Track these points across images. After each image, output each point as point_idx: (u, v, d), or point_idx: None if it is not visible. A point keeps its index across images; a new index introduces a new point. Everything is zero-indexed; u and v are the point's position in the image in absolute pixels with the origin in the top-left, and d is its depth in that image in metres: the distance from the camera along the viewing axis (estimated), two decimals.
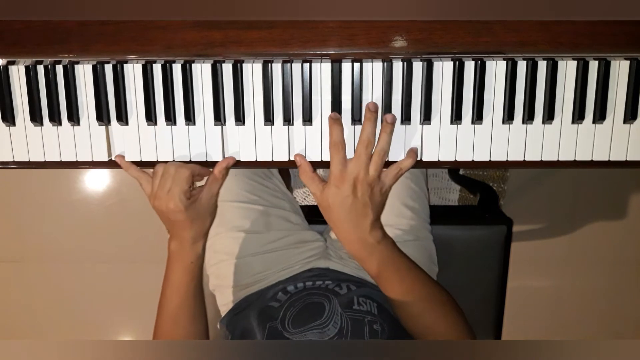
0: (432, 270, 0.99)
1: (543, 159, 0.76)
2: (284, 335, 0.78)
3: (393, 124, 0.72)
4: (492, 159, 0.77)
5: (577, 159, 0.76)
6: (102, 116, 0.76)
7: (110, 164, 0.78)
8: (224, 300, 0.97)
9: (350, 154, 0.74)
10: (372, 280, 0.90)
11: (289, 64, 0.74)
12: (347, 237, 0.76)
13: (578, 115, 0.75)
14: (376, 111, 0.72)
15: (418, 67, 0.74)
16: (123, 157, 0.77)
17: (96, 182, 1.74)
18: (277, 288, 0.91)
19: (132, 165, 0.77)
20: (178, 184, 0.73)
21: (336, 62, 0.74)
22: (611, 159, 0.76)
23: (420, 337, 0.79)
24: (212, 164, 0.77)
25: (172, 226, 0.77)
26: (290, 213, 1.00)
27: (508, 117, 0.75)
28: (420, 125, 0.76)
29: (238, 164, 0.78)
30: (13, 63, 0.76)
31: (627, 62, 0.74)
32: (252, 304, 0.91)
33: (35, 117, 0.77)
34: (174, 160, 0.77)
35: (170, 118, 0.76)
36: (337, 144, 0.72)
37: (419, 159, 0.76)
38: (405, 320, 0.80)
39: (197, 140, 0.77)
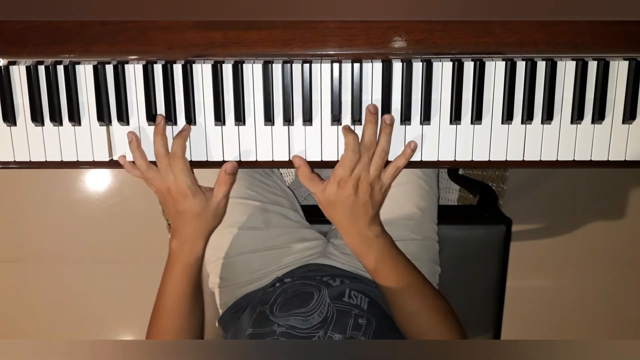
0: (435, 271, 1.00)
1: (542, 159, 0.77)
2: (269, 319, 0.79)
3: (392, 124, 0.73)
4: (491, 159, 0.77)
5: (576, 159, 0.76)
6: (103, 116, 0.77)
7: (112, 164, 0.79)
8: (223, 299, 0.98)
9: None
10: (369, 277, 0.91)
11: (289, 64, 0.74)
12: (347, 230, 0.78)
13: (577, 116, 0.75)
14: (377, 113, 0.73)
15: (418, 67, 0.74)
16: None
17: (97, 182, 1.74)
18: (275, 281, 0.92)
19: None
20: (181, 170, 0.74)
21: (336, 63, 0.74)
22: (610, 159, 0.76)
23: (413, 338, 0.80)
24: (212, 163, 0.78)
25: (176, 219, 0.78)
26: (288, 210, 1.00)
27: (507, 117, 0.75)
28: (420, 126, 0.76)
29: (238, 164, 0.78)
30: (14, 63, 0.76)
31: (626, 63, 0.74)
32: (251, 303, 0.91)
33: (36, 117, 0.77)
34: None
35: (171, 118, 0.76)
36: (354, 148, 0.72)
37: (418, 159, 0.77)
38: (398, 320, 0.81)
39: (198, 140, 0.77)
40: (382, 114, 0.75)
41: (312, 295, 0.82)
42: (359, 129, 0.75)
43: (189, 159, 0.77)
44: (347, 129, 0.74)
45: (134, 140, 0.76)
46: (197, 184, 0.76)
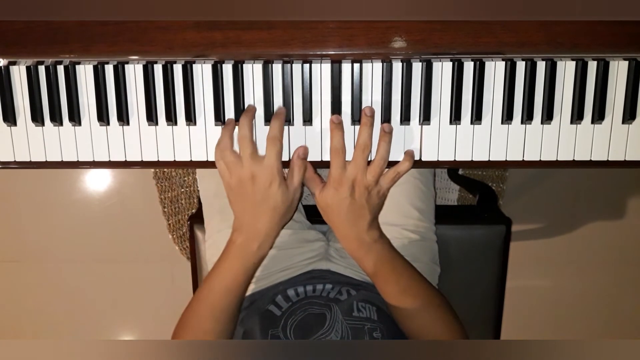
0: (435, 271, 1.00)
1: (542, 159, 0.77)
2: None
3: (390, 133, 0.73)
4: (491, 159, 0.77)
5: (575, 159, 0.76)
6: (103, 116, 0.77)
7: (112, 164, 0.79)
8: None
9: (349, 153, 0.74)
10: (371, 282, 0.90)
11: (289, 65, 0.74)
12: (345, 235, 0.78)
13: (577, 116, 0.75)
14: (372, 115, 0.73)
15: (417, 67, 0.74)
16: (232, 120, 0.74)
17: (96, 182, 1.74)
18: (277, 290, 0.90)
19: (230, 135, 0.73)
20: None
21: (336, 63, 0.74)
22: (610, 159, 0.76)
23: (415, 337, 0.80)
24: (213, 163, 0.77)
25: (250, 211, 0.74)
26: None
27: (507, 117, 0.75)
28: (420, 126, 0.76)
29: None
30: (14, 63, 0.76)
31: (626, 63, 0.74)
32: (253, 305, 0.91)
33: (37, 117, 0.77)
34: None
35: (171, 118, 0.76)
36: (338, 149, 0.73)
37: (417, 159, 0.77)
38: (399, 320, 0.81)
39: (198, 140, 0.77)
40: (382, 114, 0.75)
41: (325, 316, 0.81)
42: (358, 129, 0.75)
43: (189, 159, 0.77)
44: (333, 125, 0.73)
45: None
46: (282, 171, 0.73)
